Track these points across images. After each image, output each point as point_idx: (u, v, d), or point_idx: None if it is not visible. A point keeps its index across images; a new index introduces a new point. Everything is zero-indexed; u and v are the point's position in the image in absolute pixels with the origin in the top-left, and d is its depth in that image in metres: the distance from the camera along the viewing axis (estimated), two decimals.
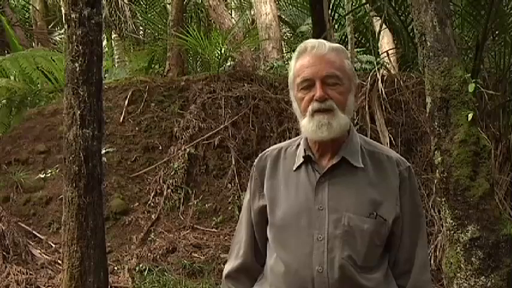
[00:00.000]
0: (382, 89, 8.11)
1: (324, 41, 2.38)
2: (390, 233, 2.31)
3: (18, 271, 7.83)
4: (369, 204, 2.26)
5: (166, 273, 7.42)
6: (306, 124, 2.31)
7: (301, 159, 2.37)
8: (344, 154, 2.32)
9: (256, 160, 2.52)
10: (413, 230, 2.34)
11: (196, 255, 7.98)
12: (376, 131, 7.97)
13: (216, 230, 8.61)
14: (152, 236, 8.55)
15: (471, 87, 4.73)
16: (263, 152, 2.53)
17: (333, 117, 2.27)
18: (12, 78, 12.04)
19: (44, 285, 7.57)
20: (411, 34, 8.95)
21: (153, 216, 8.83)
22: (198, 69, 14.58)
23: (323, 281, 2.21)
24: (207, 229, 8.65)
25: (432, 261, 7.04)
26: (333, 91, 2.29)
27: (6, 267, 7.93)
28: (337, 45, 2.42)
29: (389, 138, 8.03)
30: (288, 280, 2.29)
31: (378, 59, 9.53)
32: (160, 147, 9.85)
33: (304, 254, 2.25)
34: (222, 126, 9.63)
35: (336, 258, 2.22)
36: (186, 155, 9.37)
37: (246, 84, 10.12)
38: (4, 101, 11.57)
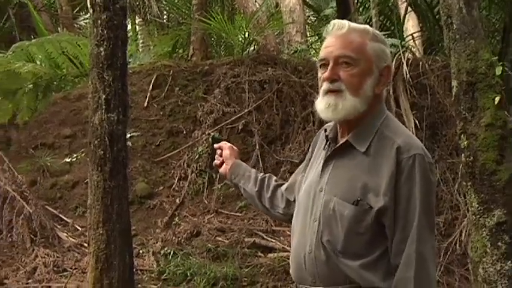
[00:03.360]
0: (407, 73, 8.05)
1: (347, 22, 2.34)
2: (381, 224, 2.21)
3: (45, 254, 7.94)
4: (359, 190, 2.21)
5: (190, 257, 7.47)
6: (318, 103, 2.32)
7: (325, 139, 2.39)
8: (351, 137, 2.30)
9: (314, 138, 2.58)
10: (406, 223, 2.18)
11: (220, 239, 8.02)
12: (401, 115, 7.92)
13: (240, 214, 8.63)
14: (177, 220, 8.61)
15: (498, 70, 4.66)
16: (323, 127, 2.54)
17: (339, 99, 2.25)
18: (38, 63, 12.12)
19: (71, 268, 7.66)
20: (437, 17, 8.87)
21: (177, 200, 8.88)
22: (222, 54, 14.54)
23: (312, 262, 2.24)
24: (231, 213, 8.68)
25: (458, 246, 7.01)
26: (345, 72, 2.25)
27: (33, 249, 8.05)
28: (362, 26, 2.37)
29: (414, 122, 7.97)
30: (292, 256, 2.38)
31: (403, 42, 9.43)
32: (184, 132, 9.88)
33: (302, 233, 2.30)
34: (245, 111, 9.62)
35: (321, 241, 2.24)
36: (209, 139, 9.38)
37: (269, 68, 10.09)
38: (30, 85, 11.67)
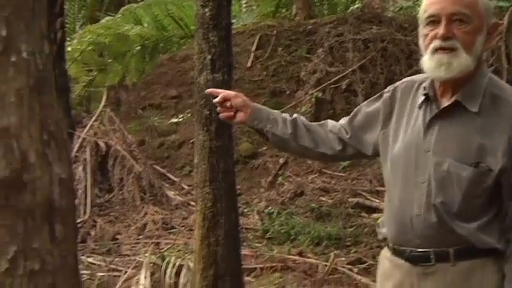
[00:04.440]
0: None
1: None
2: (498, 185, 2.15)
3: (154, 211, 8.22)
4: (475, 152, 2.14)
5: (294, 216, 7.53)
6: (426, 62, 2.22)
7: (422, 97, 2.31)
8: (460, 97, 2.21)
9: (391, 88, 2.46)
10: None
11: (323, 198, 8.03)
12: None
13: (343, 174, 8.60)
14: (280, 180, 8.68)
15: None
16: (398, 83, 2.46)
17: (454, 57, 2.16)
18: (145, 25, 12.41)
19: (178, 225, 7.90)
20: None
21: (280, 160, 8.94)
22: (325, 12, 14.37)
23: (420, 225, 2.19)
24: (334, 173, 8.66)
25: None
26: (459, 30, 2.16)
27: (143, 207, 8.35)
28: None
29: None
30: (393, 218, 2.31)
31: None
32: (287, 92, 9.89)
33: (407, 195, 2.24)
34: (349, 70, 9.51)
35: (432, 203, 2.17)
36: (313, 99, 9.35)
37: (374, 27, 9.90)
38: (138, 48, 11.98)
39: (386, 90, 2.48)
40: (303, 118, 2.59)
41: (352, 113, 2.57)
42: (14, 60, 1.88)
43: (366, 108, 2.53)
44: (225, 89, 4.03)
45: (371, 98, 2.56)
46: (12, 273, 1.92)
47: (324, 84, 9.42)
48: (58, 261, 1.99)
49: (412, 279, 2.26)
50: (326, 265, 6.00)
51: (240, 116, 2.53)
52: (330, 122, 2.60)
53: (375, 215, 7.37)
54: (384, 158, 2.40)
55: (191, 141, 9.03)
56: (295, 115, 2.60)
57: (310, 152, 2.57)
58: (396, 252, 2.31)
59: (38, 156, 1.92)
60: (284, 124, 2.53)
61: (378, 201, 7.72)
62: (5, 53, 1.87)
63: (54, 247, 1.98)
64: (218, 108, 2.56)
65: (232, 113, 2.53)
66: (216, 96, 2.53)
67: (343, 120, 2.57)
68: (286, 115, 2.58)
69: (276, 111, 2.60)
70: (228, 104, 2.52)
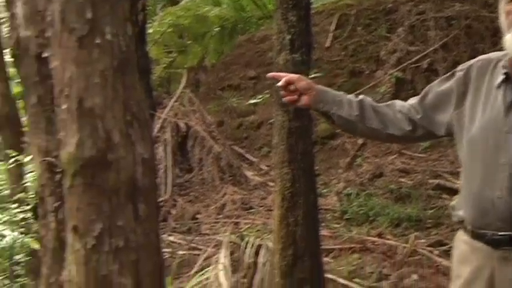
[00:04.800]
0: None
1: None
2: None
3: (233, 191, 8.31)
4: None
5: (373, 197, 7.46)
6: (508, 40, 2.15)
7: (501, 77, 2.22)
8: None
9: (464, 67, 2.38)
10: None
11: (403, 180, 7.91)
12: None
13: (423, 155, 8.44)
14: (359, 161, 8.61)
15: None
16: (472, 61, 2.38)
17: None
18: (224, 6, 12.47)
19: (257, 205, 7.96)
20: None
21: (359, 141, 8.85)
22: None
23: (502, 207, 2.13)
24: (414, 154, 8.52)
25: None
26: None
27: (222, 187, 8.46)
28: None
29: None
30: (471, 200, 2.26)
31: None
32: (366, 72, 9.77)
33: (487, 177, 2.18)
34: (431, 49, 9.28)
35: None
36: (393, 79, 9.20)
37: (457, 4, 9.61)
38: (217, 29, 12.05)
39: (459, 68, 2.40)
40: (369, 99, 2.52)
41: (422, 93, 2.49)
42: (99, 42, 1.92)
43: (437, 87, 2.45)
44: (304, 70, 4.02)
45: (442, 77, 2.48)
46: (98, 249, 1.98)
47: (404, 64, 9.24)
48: (141, 239, 2.04)
49: (492, 263, 2.20)
50: (405, 247, 5.93)
51: (305, 99, 2.48)
52: (398, 102, 2.53)
53: (457, 197, 7.21)
54: (459, 138, 2.34)
55: (270, 121, 9.05)
56: (361, 96, 2.54)
57: (378, 133, 2.51)
58: (475, 236, 2.26)
59: (122, 136, 1.96)
60: (350, 106, 2.47)
61: (459, 182, 7.53)
62: (90, 35, 1.91)
63: (137, 225, 2.03)
64: (281, 92, 2.50)
65: (296, 97, 2.47)
66: (279, 80, 2.47)
67: (413, 100, 2.49)
68: (352, 96, 2.53)
69: (341, 92, 2.54)
70: (292, 87, 2.46)
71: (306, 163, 4.24)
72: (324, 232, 6.02)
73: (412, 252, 5.85)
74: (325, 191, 7.93)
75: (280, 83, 2.46)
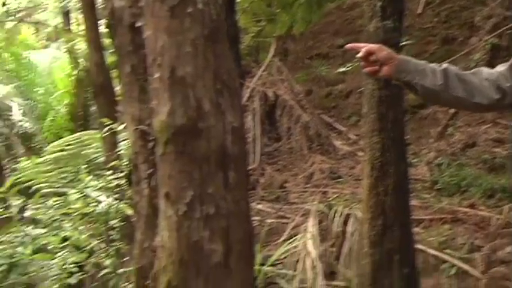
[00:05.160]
0: None
1: None
2: None
3: (321, 160, 8.29)
4: None
5: (465, 167, 7.27)
6: None
7: None
8: None
9: None
10: None
11: (497, 150, 7.66)
12: None
13: None
14: (450, 130, 8.39)
15: None
16: None
17: None
18: None
19: (345, 175, 7.92)
20: None
21: (451, 111, 8.61)
22: None
23: None
24: (510, 123, 8.23)
25: None
26: None
27: (310, 156, 8.45)
28: None
29: None
30: None
31: None
32: (459, 39, 9.46)
33: None
34: None
35: None
36: (488, 45, 8.87)
37: None
38: None
39: None
40: (454, 67, 2.42)
41: None
42: (190, 11, 1.94)
43: None
44: (395, 37, 3.93)
45: None
46: (189, 216, 2.02)
47: (501, 30, 8.89)
48: (231, 207, 2.07)
49: None
50: (499, 218, 5.76)
51: (386, 69, 2.39)
52: (485, 70, 2.42)
53: None
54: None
55: (359, 90, 8.94)
56: (445, 64, 2.43)
57: (464, 102, 2.41)
58: None
59: (212, 105, 1.98)
60: (434, 75, 2.37)
61: None
62: (181, 4, 1.93)
63: (227, 193, 2.05)
64: (361, 63, 2.40)
65: (377, 67, 2.38)
66: (358, 52, 2.37)
67: (502, 67, 2.38)
68: (435, 65, 2.42)
69: (423, 61, 2.43)
70: (373, 57, 2.37)
71: (396, 132, 4.17)
72: (414, 202, 5.92)
73: (506, 224, 5.69)
74: (415, 160, 7.78)
75: (360, 54, 2.38)
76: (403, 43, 4.26)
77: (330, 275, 5.29)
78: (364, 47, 2.38)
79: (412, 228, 4.44)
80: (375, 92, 4.12)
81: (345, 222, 5.54)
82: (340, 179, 7.80)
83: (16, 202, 5.22)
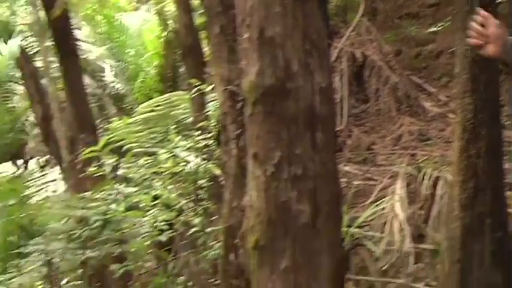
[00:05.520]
0: None
1: None
2: None
3: (410, 122, 8.14)
4: None
5: None
6: None
7: None
8: None
9: None
10: None
11: None
12: None
13: None
14: None
15: None
16: None
17: None
18: None
19: (435, 137, 7.75)
20: None
21: None
22: None
23: None
24: None
25: None
26: None
27: (399, 118, 8.31)
28: None
29: None
30: None
31: None
32: None
33: None
34: None
35: None
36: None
37: None
38: None
39: None
40: None
41: None
42: None
43: None
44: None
45: None
46: (277, 177, 2.03)
47: None
48: (319, 168, 2.06)
49: None
50: None
51: (491, 48, 2.30)
52: None
53: None
54: None
55: (450, 50, 8.68)
56: None
57: None
58: None
59: (301, 65, 1.97)
60: None
61: None
62: None
63: (315, 154, 2.05)
64: (470, 32, 2.33)
65: (482, 42, 2.30)
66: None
67: None
68: None
69: None
70: (484, 31, 2.29)
71: (489, 93, 4.03)
72: (507, 165, 5.74)
73: None
74: (509, 122, 7.52)
75: (476, 19, 2.30)
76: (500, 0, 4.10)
77: (418, 237, 5.23)
78: (487, 16, 2.31)
79: (505, 192, 4.32)
80: (467, 52, 3.98)
81: (434, 185, 5.44)
82: (430, 141, 7.64)
83: (109, 161, 5.38)
